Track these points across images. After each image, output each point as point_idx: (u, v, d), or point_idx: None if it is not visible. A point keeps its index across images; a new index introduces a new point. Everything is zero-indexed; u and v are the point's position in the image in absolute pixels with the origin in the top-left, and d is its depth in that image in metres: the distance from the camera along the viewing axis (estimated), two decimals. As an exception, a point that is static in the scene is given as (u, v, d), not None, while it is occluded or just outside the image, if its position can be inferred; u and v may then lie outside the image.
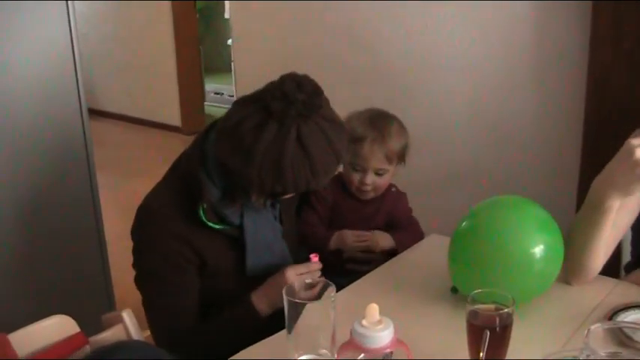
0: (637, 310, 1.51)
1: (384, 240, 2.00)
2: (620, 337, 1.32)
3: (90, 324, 1.54)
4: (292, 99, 1.49)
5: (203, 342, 1.72)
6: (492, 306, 1.31)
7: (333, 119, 1.58)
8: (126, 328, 1.55)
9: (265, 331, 1.54)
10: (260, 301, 1.72)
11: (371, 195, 1.99)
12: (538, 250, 1.50)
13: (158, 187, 1.75)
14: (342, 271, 1.95)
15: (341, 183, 2.01)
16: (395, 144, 1.93)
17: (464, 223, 1.60)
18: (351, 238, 1.96)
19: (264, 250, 1.76)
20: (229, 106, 1.63)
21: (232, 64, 5.40)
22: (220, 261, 1.73)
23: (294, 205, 1.97)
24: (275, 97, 1.50)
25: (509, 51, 2.91)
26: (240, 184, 1.62)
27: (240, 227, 1.71)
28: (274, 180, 1.53)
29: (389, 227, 2.05)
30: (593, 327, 1.09)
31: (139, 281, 1.75)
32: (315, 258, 1.74)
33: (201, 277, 1.74)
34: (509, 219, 1.56)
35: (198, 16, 7.04)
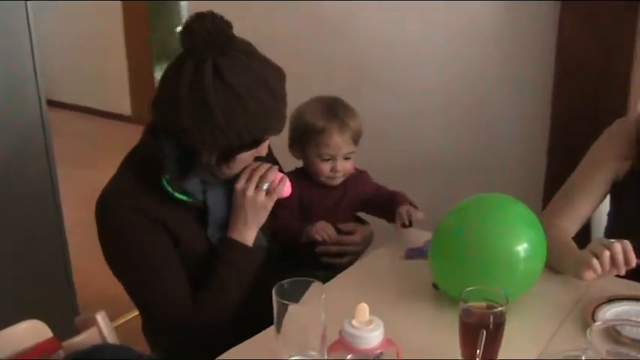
0: (618, 304, 1.52)
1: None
2: (611, 332, 1.31)
3: (50, 313, 1.52)
4: (197, 30, 1.49)
5: (217, 306, 1.66)
6: (484, 303, 1.29)
7: (251, 53, 1.56)
8: (100, 331, 1.50)
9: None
10: (238, 233, 1.68)
11: (341, 180, 1.99)
12: (522, 249, 1.48)
13: (117, 174, 1.68)
14: (317, 264, 1.94)
15: (303, 175, 2.00)
16: (356, 124, 1.95)
17: (446, 221, 1.58)
18: (329, 232, 1.94)
19: None
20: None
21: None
22: (192, 238, 1.66)
23: None
24: (183, 36, 1.53)
25: (480, 38, 2.90)
26: (189, 147, 1.57)
27: (205, 203, 1.66)
28: (210, 125, 1.51)
29: (370, 209, 2.08)
30: (594, 326, 1.08)
31: (120, 275, 1.65)
32: None
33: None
34: (493, 218, 1.53)
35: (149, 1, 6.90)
